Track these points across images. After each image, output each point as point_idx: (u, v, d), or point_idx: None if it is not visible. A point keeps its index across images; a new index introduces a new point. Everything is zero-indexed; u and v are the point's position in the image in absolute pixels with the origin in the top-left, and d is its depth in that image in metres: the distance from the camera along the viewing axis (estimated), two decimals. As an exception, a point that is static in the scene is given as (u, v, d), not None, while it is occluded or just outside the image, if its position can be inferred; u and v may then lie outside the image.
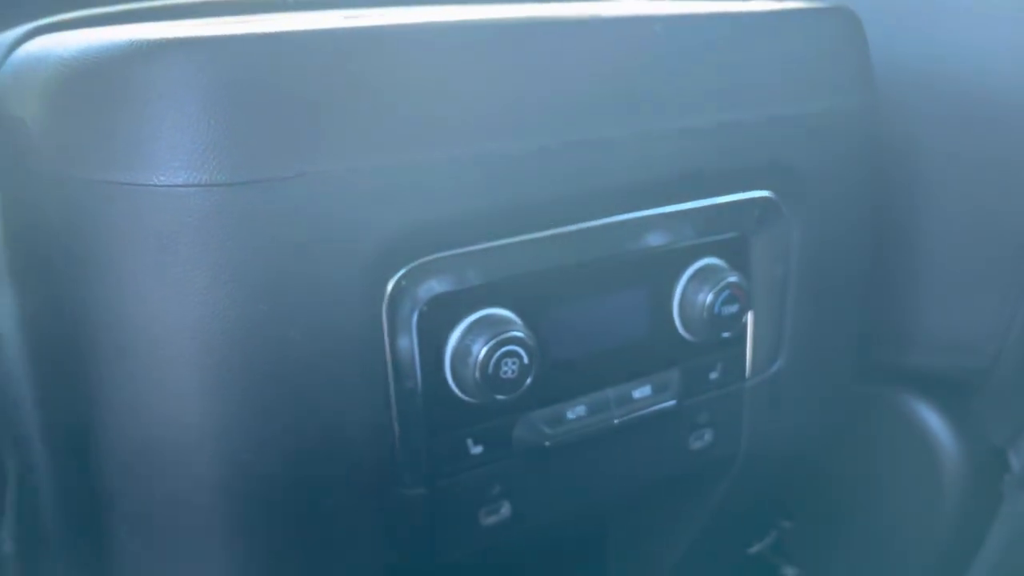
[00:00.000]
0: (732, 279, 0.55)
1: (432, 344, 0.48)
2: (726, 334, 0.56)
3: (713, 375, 0.59)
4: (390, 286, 0.46)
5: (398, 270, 0.46)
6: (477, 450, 0.51)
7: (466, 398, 0.49)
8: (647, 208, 0.53)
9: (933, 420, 0.76)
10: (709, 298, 0.55)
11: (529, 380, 0.49)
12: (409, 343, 0.47)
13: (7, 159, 0.51)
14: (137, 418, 0.44)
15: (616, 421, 0.54)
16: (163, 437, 0.44)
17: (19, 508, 0.84)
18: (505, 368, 0.48)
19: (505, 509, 0.53)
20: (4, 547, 0.73)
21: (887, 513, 0.82)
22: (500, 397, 0.48)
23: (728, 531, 0.77)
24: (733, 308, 0.55)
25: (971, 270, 0.69)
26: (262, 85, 0.40)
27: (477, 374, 0.47)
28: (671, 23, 0.51)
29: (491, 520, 0.52)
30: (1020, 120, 0.64)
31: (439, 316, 0.48)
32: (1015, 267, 0.67)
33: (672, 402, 0.56)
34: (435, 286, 0.47)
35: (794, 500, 0.88)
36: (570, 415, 0.53)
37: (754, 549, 0.94)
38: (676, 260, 0.55)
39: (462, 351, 0.48)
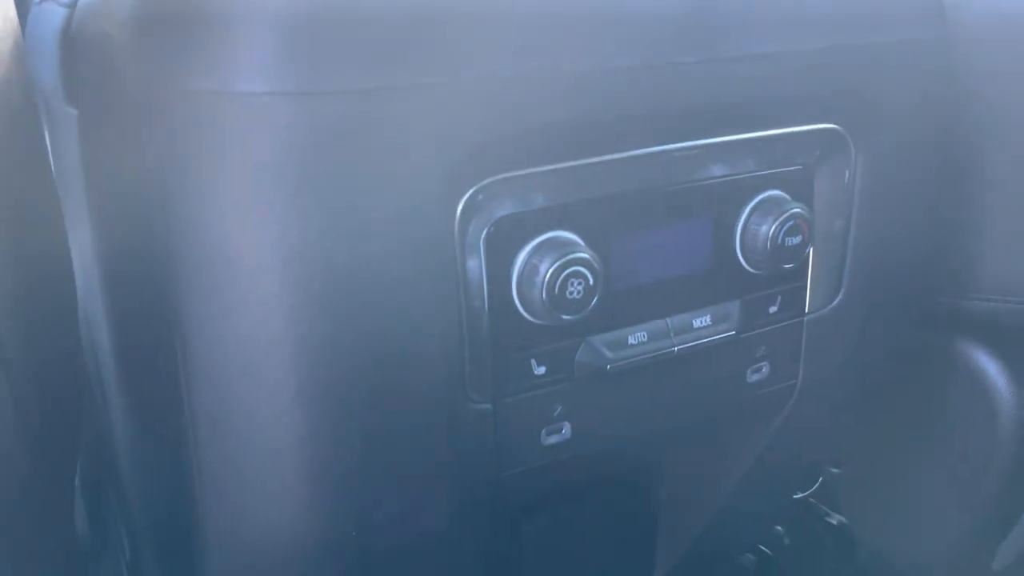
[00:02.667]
0: (795, 210, 0.55)
1: (500, 264, 0.49)
2: (788, 266, 0.56)
3: (773, 308, 0.59)
4: (461, 203, 0.47)
5: (470, 187, 0.46)
6: (540, 371, 0.52)
7: (531, 318, 0.50)
8: (714, 136, 0.53)
9: (991, 367, 0.75)
10: (772, 229, 0.55)
11: (594, 301, 0.49)
12: (478, 262, 0.48)
13: (87, 80, 0.53)
14: (216, 329, 0.46)
15: (676, 349, 0.55)
16: (242, 347, 0.45)
17: (83, 443, 0.87)
18: (571, 288, 0.48)
19: (566, 430, 0.54)
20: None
21: (939, 462, 0.82)
22: (565, 317, 0.49)
23: (777, 473, 0.78)
24: (796, 240, 0.55)
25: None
26: (345, -1, 0.41)
27: (543, 294, 0.48)
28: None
29: (552, 440, 0.53)
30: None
31: (507, 236, 0.49)
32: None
33: (731, 333, 0.57)
34: (504, 206, 0.48)
35: (843, 447, 0.88)
36: (631, 341, 0.54)
37: (801, 495, 0.95)
38: (740, 190, 0.55)
39: (529, 271, 0.49)
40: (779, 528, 1.00)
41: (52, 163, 0.65)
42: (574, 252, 0.48)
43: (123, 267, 0.55)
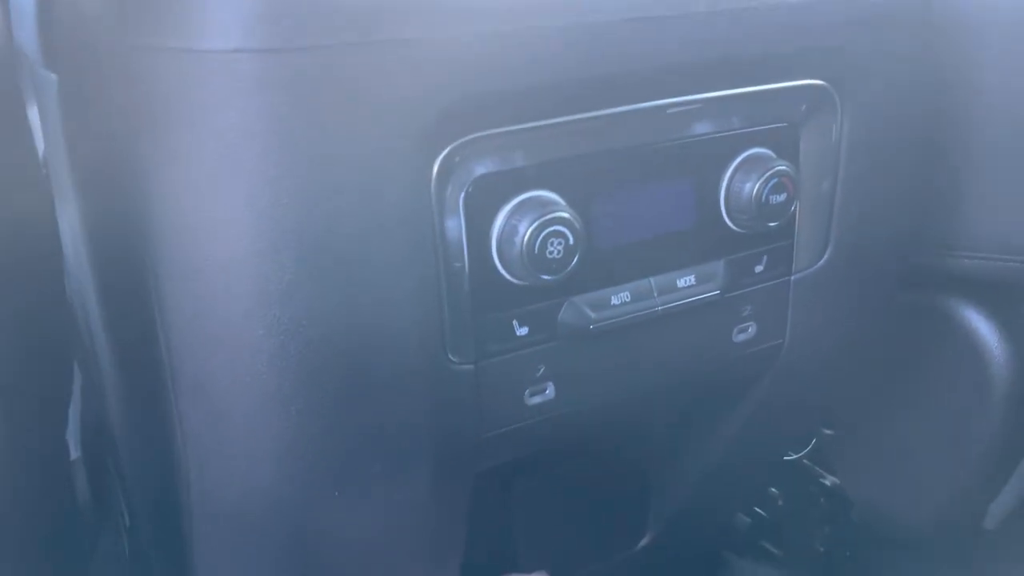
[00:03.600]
0: (780, 167, 0.54)
1: (479, 224, 0.48)
2: (773, 224, 0.56)
3: (758, 268, 0.59)
4: (438, 162, 0.46)
5: (446, 146, 0.46)
6: (523, 331, 0.52)
7: (512, 279, 0.50)
8: (697, 92, 0.53)
9: (981, 325, 0.75)
10: (756, 187, 0.54)
11: (574, 261, 0.49)
12: (457, 222, 0.48)
13: (65, 44, 0.52)
14: (192, 287, 0.46)
15: (660, 309, 0.55)
16: (218, 309, 0.45)
17: (84, 416, 0.87)
18: (551, 248, 0.48)
19: (549, 390, 0.54)
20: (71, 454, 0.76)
21: (931, 421, 0.82)
22: (545, 277, 0.49)
23: (767, 434, 0.78)
24: (780, 197, 0.55)
25: (1022, 171, 0.67)
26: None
27: (523, 253, 0.48)
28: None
29: (535, 400, 0.53)
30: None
31: (486, 196, 0.48)
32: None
33: (716, 292, 0.56)
34: (482, 165, 0.48)
35: (836, 408, 0.88)
36: (615, 301, 0.54)
37: (794, 457, 0.95)
38: (725, 148, 0.55)
39: (508, 231, 0.48)
40: (773, 490, 1.01)
41: (41, 135, 0.65)
42: (554, 211, 0.48)
43: (106, 233, 0.55)
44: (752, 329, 0.60)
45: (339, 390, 0.46)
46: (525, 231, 0.48)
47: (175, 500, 0.57)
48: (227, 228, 0.43)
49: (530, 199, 0.49)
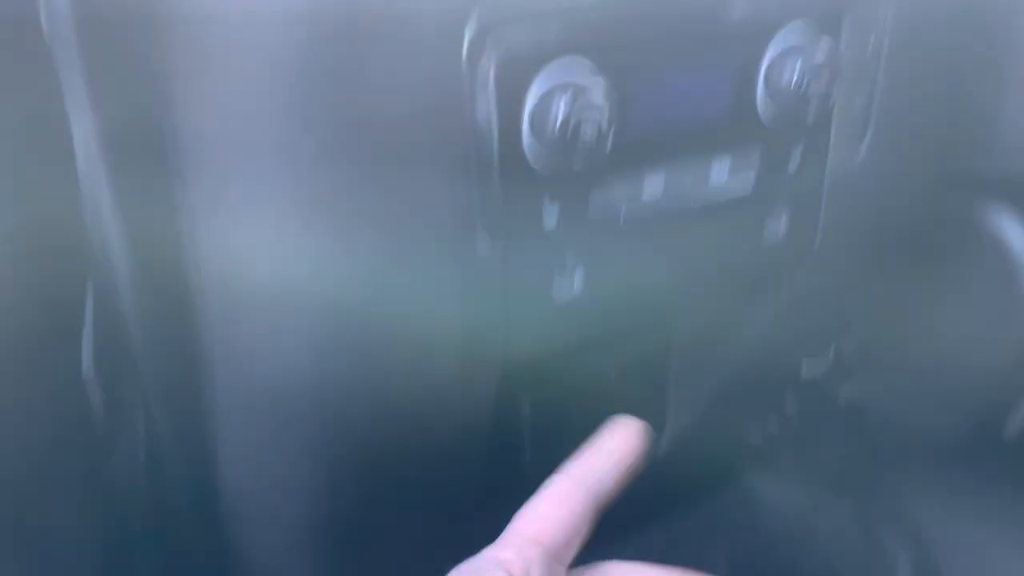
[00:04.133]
0: (821, 55, 0.52)
1: (509, 107, 0.46)
2: (811, 114, 0.54)
3: (794, 163, 0.57)
4: (467, 40, 0.44)
5: (477, 23, 0.44)
6: (551, 222, 0.50)
7: (543, 165, 0.48)
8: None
9: (1014, 232, 0.73)
10: (796, 75, 0.52)
11: (608, 146, 0.47)
12: (486, 105, 0.46)
13: None
14: (222, 168, 0.44)
15: (692, 202, 0.53)
16: (248, 187, 0.44)
17: (97, 329, 0.86)
18: (584, 130, 0.46)
19: (576, 283, 0.52)
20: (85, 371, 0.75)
21: (956, 331, 0.81)
22: (577, 163, 0.47)
23: (789, 341, 0.77)
24: (820, 86, 0.52)
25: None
26: None
27: (555, 135, 0.46)
28: None
29: (562, 294, 0.52)
30: None
31: (517, 75, 0.46)
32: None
33: (750, 186, 0.55)
34: (514, 41, 0.45)
35: (857, 318, 0.87)
36: (646, 192, 0.52)
37: (812, 369, 0.95)
38: (762, 31, 0.52)
39: (540, 112, 0.46)
40: (787, 404, 1.00)
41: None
42: (588, 93, 0.46)
43: (125, 146, 0.53)
44: (784, 227, 0.59)
45: (365, 270, 0.45)
46: (558, 112, 0.45)
47: (197, 397, 0.56)
48: (252, 119, 0.41)
49: (564, 82, 0.46)
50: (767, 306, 0.67)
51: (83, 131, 0.56)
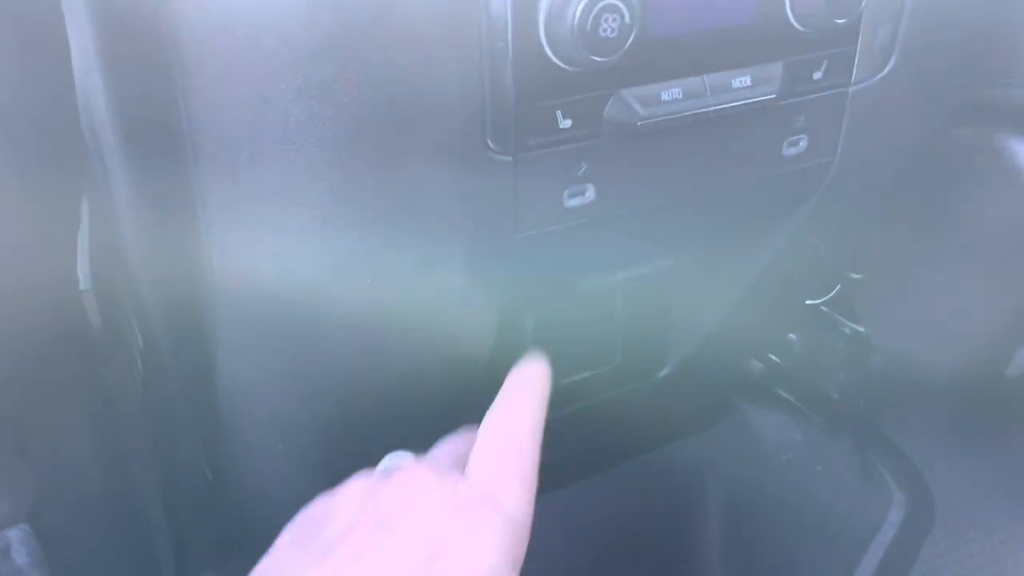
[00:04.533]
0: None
1: (526, -1, 0.44)
2: (841, 21, 0.51)
3: (817, 74, 0.55)
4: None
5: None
6: (566, 123, 0.48)
7: (559, 62, 0.46)
8: None
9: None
10: (827, -23, 0.49)
11: (628, 43, 0.45)
12: (502, -5, 0.44)
13: None
14: (223, 88, 0.42)
15: (711, 109, 0.51)
16: (250, 97, 0.42)
17: (94, 246, 0.84)
18: (604, 26, 0.44)
19: (589, 192, 0.50)
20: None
21: (965, 265, 0.79)
22: (596, 59, 0.45)
23: (799, 268, 0.75)
24: (851, -8, 0.50)
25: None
26: None
27: (574, 29, 0.44)
28: None
29: (574, 202, 0.50)
30: None
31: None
32: None
33: (772, 96, 0.52)
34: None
35: (866, 249, 0.86)
36: (664, 97, 0.50)
37: (819, 301, 0.93)
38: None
39: (559, 4, 0.44)
40: (791, 335, 0.99)
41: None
42: (610, -14, 0.43)
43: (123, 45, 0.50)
44: (804, 143, 0.57)
45: (375, 161, 0.43)
46: (578, 3, 0.43)
47: (195, 309, 0.54)
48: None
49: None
50: (780, 226, 0.65)
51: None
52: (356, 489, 0.45)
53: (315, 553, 0.41)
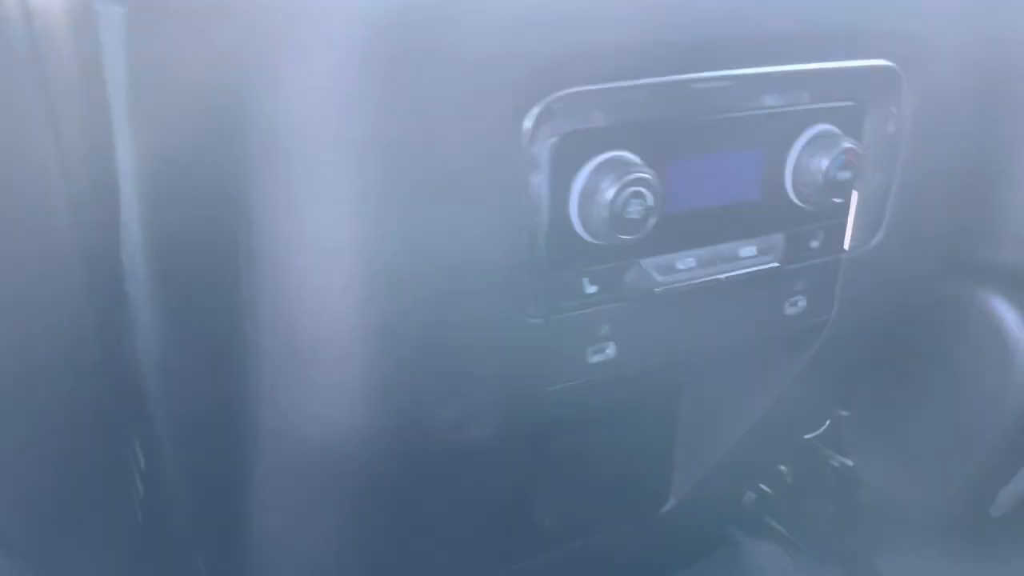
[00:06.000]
0: (849, 144, 0.55)
1: (561, 180, 0.49)
2: (837, 200, 0.57)
3: (815, 243, 0.60)
4: (531, 117, 0.47)
5: (539, 101, 0.47)
6: (592, 289, 0.52)
7: (589, 237, 0.51)
8: (772, 64, 0.53)
9: (1010, 317, 0.76)
10: (824, 163, 0.55)
11: (652, 222, 0.50)
12: (540, 178, 0.49)
13: None
14: (284, 228, 0.46)
15: (722, 276, 0.56)
16: (307, 247, 0.46)
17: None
18: (631, 208, 0.49)
19: (610, 349, 0.55)
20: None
21: (949, 408, 0.84)
22: (623, 237, 0.50)
23: (793, 411, 0.79)
24: (847, 174, 0.56)
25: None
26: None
27: (605, 212, 0.49)
28: None
29: (597, 358, 0.54)
30: None
31: (570, 153, 0.49)
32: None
33: (775, 264, 0.58)
34: (569, 122, 0.48)
35: (855, 389, 0.90)
36: (680, 266, 0.55)
37: (808, 436, 0.97)
38: (793, 122, 0.56)
39: (590, 189, 0.49)
40: (783, 468, 1.02)
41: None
42: (636, 172, 0.49)
43: (166, 174, 0.54)
44: (802, 303, 0.62)
45: (419, 331, 0.47)
46: (608, 189, 0.48)
47: (227, 445, 0.57)
48: (325, 169, 0.43)
49: (612, 158, 0.49)
50: (778, 376, 0.70)
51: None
52: None
53: None
